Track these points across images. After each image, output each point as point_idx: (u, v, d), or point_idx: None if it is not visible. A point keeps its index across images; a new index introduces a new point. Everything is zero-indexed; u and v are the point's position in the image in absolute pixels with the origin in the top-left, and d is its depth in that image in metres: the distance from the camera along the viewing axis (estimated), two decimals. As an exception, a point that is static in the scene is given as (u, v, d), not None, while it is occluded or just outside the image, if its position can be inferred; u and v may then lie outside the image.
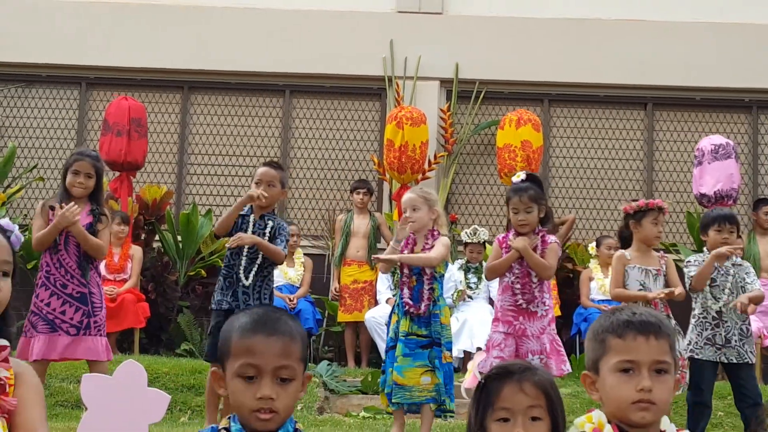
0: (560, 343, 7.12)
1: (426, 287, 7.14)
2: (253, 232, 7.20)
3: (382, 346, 10.41)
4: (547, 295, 7.09)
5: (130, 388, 3.74)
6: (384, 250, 11.67)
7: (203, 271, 11.84)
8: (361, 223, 11.57)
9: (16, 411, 2.76)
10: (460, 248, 11.53)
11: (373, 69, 13.05)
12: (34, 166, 12.98)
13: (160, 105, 13.39)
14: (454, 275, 10.97)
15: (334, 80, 13.28)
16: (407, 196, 7.38)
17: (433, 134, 12.53)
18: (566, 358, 7.12)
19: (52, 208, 7.08)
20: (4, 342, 2.81)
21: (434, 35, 13.11)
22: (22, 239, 2.97)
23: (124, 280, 10.92)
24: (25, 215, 12.49)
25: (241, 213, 7.25)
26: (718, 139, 11.17)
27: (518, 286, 7.02)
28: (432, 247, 7.15)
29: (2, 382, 2.75)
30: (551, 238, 7.15)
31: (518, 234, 7.08)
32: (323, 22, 13.13)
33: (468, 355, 10.46)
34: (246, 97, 13.42)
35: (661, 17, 13.09)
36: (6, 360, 2.79)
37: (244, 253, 7.20)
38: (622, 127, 13.37)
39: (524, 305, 6.99)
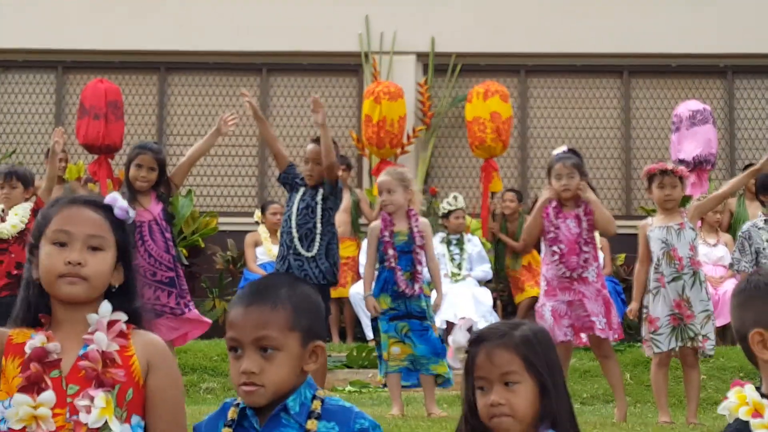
0: (614, 306, 7.27)
1: (417, 268, 7.28)
2: (302, 200, 7.82)
3: (366, 322, 10.45)
4: (593, 261, 7.22)
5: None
6: (365, 225, 11.76)
7: (185, 251, 11.82)
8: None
9: (149, 406, 2.69)
10: (440, 220, 11.53)
11: (349, 45, 13.03)
12: (13, 152, 12.93)
13: (137, 87, 13.35)
14: (437, 249, 10.96)
15: (310, 57, 13.26)
16: (382, 178, 7.50)
17: (411, 108, 12.54)
18: (619, 321, 7.29)
19: None
20: (117, 316, 2.70)
21: (409, 9, 13.08)
22: (131, 213, 2.81)
23: (107, 263, 10.90)
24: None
25: (293, 183, 7.93)
26: (695, 104, 11.17)
27: (562, 257, 7.16)
28: (420, 233, 7.30)
29: (111, 356, 2.63)
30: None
31: (559, 202, 7.24)
32: (298, -1, 13.10)
33: (451, 326, 10.48)
34: (223, 76, 13.38)
35: (634, -15, 13.12)
36: (124, 336, 2.68)
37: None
38: (599, 96, 13.41)
39: (571, 275, 7.14)
